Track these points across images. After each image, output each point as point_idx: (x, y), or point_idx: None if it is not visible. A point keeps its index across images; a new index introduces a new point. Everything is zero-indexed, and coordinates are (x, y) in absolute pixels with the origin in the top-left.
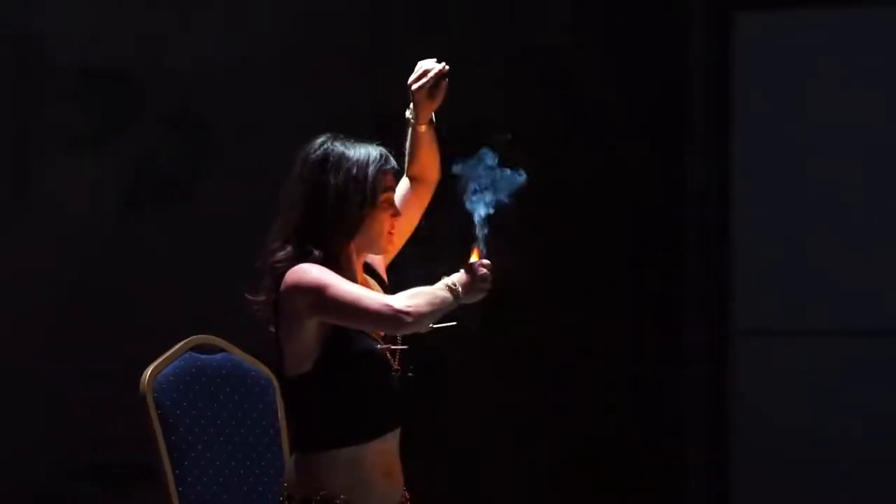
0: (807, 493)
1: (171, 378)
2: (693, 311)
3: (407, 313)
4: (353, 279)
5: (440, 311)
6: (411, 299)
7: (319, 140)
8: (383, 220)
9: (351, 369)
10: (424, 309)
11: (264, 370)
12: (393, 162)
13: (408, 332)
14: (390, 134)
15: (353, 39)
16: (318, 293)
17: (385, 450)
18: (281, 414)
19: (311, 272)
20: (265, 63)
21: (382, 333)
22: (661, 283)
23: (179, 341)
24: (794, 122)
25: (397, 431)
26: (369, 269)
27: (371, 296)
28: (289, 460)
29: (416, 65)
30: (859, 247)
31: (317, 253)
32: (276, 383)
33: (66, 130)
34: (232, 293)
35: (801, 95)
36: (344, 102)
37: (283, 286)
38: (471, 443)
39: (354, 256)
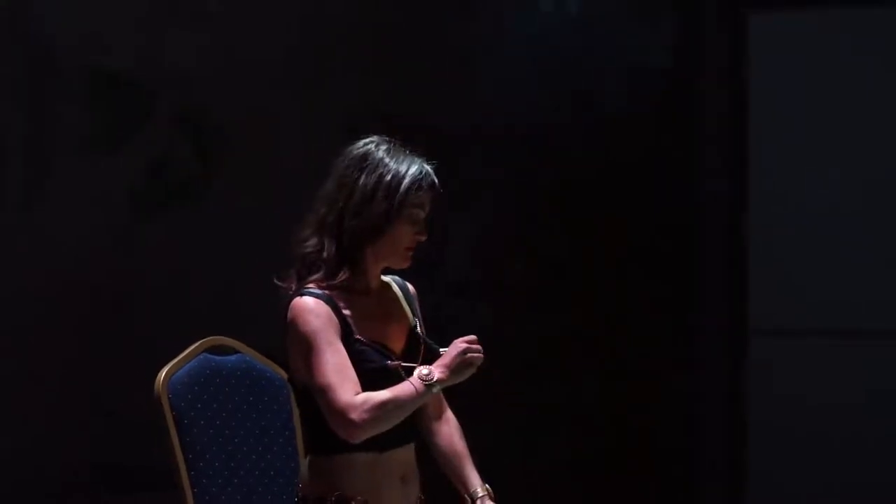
0: (821, 490)
1: (185, 380)
2: (708, 312)
3: (356, 429)
4: (366, 287)
5: (403, 416)
6: (376, 411)
7: (366, 139)
8: (404, 234)
9: (363, 384)
10: (381, 422)
11: (279, 371)
12: (433, 181)
13: (350, 440)
14: (397, 134)
15: (362, 40)
16: (305, 349)
17: (402, 457)
18: (295, 415)
19: (310, 324)
20: (275, 65)
21: (398, 351)
22: (676, 283)
23: (193, 343)
24: (808, 121)
25: (413, 441)
26: (406, 294)
27: (340, 389)
28: (303, 462)
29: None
30: (874, 247)
31: (331, 249)
32: (289, 386)
33: (76, 133)
34: (245, 293)
35: (816, 95)
36: (353, 103)
37: (288, 314)
38: (483, 445)
39: (372, 262)
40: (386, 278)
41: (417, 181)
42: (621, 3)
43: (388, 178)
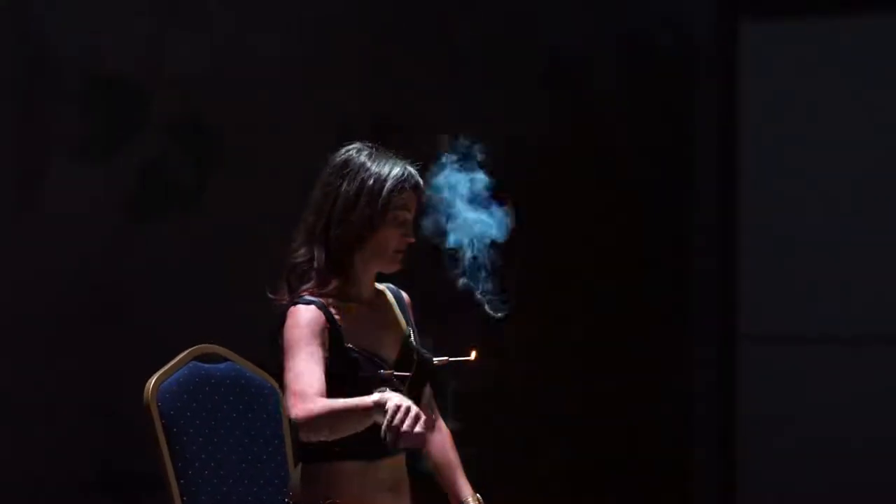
0: (812, 496)
1: (175, 387)
2: (700, 318)
3: (300, 423)
4: (358, 294)
5: (349, 430)
6: (320, 415)
7: (349, 146)
8: (391, 237)
9: (354, 393)
10: (322, 428)
11: (268, 380)
12: (417, 182)
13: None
14: (390, 140)
15: (358, 46)
16: (285, 352)
17: (393, 466)
18: (285, 424)
19: (294, 331)
20: (271, 70)
21: (391, 360)
22: (669, 290)
23: (184, 349)
24: (799, 130)
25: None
26: (400, 303)
27: (297, 384)
28: (293, 470)
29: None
30: (865, 253)
31: (321, 258)
32: (280, 393)
33: (72, 137)
34: (236, 301)
35: (807, 104)
36: (348, 109)
37: (285, 322)
38: (478, 452)
39: (362, 268)
40: (380, 286)
41: (400, 183)
42: (621, 8)
43: (370, 182)
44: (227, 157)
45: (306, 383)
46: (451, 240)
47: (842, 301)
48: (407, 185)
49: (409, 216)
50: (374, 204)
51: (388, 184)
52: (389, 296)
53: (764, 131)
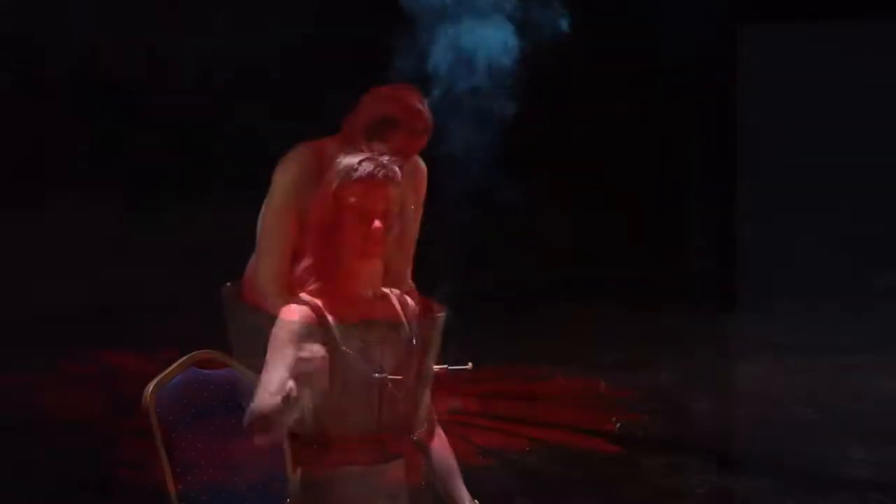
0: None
1: (173, 393)
2: (701, 318)
3: (249, 424)
4: (356, 296)
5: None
6: (272, 413)
7: None
8: (351, 231)
9: (344, 394)
10: (264, 431)
11: None
12: (370, 172)
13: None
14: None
15: (357, 49)
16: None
17: (391, 472)
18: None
19: (280, 332)
20: (270, 70)
21: (391, 363)
22: (670, 290)
23: (182, 350)
24: (798, 136)
25: (402, 458)
26: (404, 306)
27: (262, 388)
28: (292, 476)
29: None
30: (865, 253)
31: (316, 260)
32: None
33: (72, 138)
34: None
35: (806, 107)
36: (347, 112)
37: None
38: (476, 456)
39: (350, 268)
40: (386, 289)
41: (347, 173)
42: (621, 8)
43: (325, 181)
44: (228, 157)
45: (270, 386)
46: (434, 63)
47: (846, 307)
48: (357, 175)
49: (369, 205)
50: (325, 199)
51: (337, 178)
52: (393, 299)
53: (764, 131)
